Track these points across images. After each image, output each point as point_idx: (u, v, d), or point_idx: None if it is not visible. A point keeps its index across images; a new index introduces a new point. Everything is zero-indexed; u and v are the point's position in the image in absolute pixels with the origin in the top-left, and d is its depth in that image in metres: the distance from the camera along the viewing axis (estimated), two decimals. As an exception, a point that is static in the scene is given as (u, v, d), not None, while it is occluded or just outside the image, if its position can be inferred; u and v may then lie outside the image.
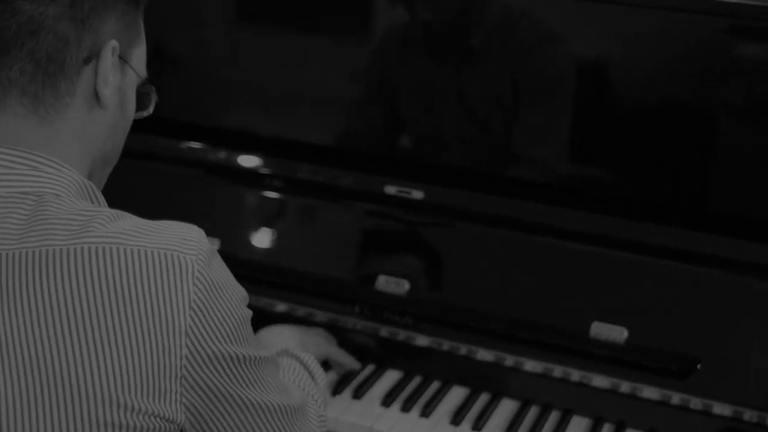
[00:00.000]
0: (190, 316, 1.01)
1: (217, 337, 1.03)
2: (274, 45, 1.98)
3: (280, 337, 1.63)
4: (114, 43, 1.10)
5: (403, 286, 1.77)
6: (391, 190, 1.86)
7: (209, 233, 1.91)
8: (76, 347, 0.97)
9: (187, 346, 1.01)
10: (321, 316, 1.81)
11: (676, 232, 1.68)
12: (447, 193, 1.83)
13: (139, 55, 1.18)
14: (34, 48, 1.06)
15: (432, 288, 1.79)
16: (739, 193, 1.70)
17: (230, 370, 1.06)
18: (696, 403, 1.59)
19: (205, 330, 1.02)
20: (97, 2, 1.09)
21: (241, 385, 1.09)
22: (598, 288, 1.69)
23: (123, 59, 1.13)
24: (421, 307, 1.76)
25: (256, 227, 1.92)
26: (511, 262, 1.76)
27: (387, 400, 1.69)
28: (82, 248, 0.99)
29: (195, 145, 2.01)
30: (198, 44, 2.04)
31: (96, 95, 1.11)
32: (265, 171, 1.96)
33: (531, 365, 1.69)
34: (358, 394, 1.70)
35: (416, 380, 1.75)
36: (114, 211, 1.06)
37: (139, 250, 1.00)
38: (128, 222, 1.04)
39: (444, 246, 1.82)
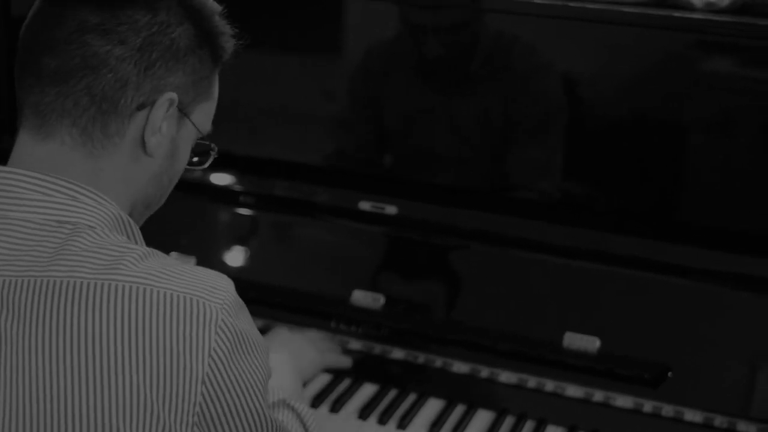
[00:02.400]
0: (209, 364, 1.00)
1: (234, 390, 1.02)
2: (249, 62, 1.99)
3: (276, 373, 1.59)
4: (172, 95, 1.10)
5: (378, 301, 1.79)
6: (365, 206, 1.87)
7: (185, 251, 1.93)
8: (91, 379, 0.97)
9: (202, 394, 1.00)
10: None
11: (646, 243, 1.71)
12: (420, 208, 1.85)
13: (204, 111, 1.17)
14: (92, 83, 1.06)
15: (407, 302, 1.81)
16: (706, 203, 1.73)
17: (241, 425, 1.05)
18: (668, 410, 1.62)
19: (223, 380, 1.01)
20: (166, 54, 1.09)
21: None
22: (571, 299, 1.71)
23: (183, 112, 1.13)
24: (396, 320, 1.77)
25: (232, 244, 1.93)
26: (484, 275, 1.78)
27: (364, 413, 1.70)
28: (109, 285, 0.99)
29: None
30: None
31: (143, 141, 1.10)
32: (239, 188, 1.97)
33: (505, 376, 1.71)
34: (335, 408, 1.71)
35: (392, 393, 1.76)
36: (146, 250, 1.05)
37: (165, 293, 1.00)
38: (158, 262, 1.04)
39: (418, 260, 1.84)
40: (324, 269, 1.86)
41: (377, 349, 1.78)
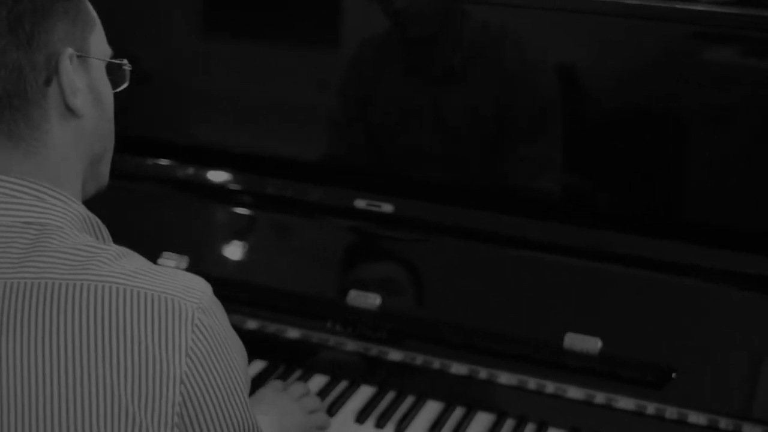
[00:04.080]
0: (186, 363, 0.96)
1: (213, 390, 0.99)
2: (244, 58, 1.96)
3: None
4: (69, 50, 1.05)
5: (374, 301, 1.76)
6: (360, 203, 1.84)
7: (179, 250, 1.91)
8: (63, 381, 0.93)
9: (181, 394, 0.96)
10: (292, 332, 1.79)
11: (649, 242, 1.68)
12: (417, 206, 1.82)
13: (97, 40, 1.12)
14: None
15: (404, 302, 1.78)
16: (710, 202, 1.71)
17: (224, 426, 1.01)
18: (671, 412, 1.59)
19: (202, 380, 0.98)
20: (36, 17, 1.04)
21: None
22: (572, 299, 1.69)
23: (82, 57, 1.08)
24: (393, 321, 1.74)
25: (226, 243, 1.90)
26: (483, 275, 1.75)
27: (361, 417, 1.67)
28: (81, 285, 0.96)
29: (163, 161, 1.98)
30: (165, 59, 2.02)
31: (68, 108, 1.06)
32: (234, 186, 1.94)
33: (505, 378, 1.68)
34: (331, 411, 1.68)
35: (390, 395, 1.74)
36: (119, 249, 1.02)
37: (139, 292, 0.97)
38: (132, 263, 1.01)
39: (415, 259, 1.81)
40: (319, 269, 1.84)
41: (374, 350, 1.76)
